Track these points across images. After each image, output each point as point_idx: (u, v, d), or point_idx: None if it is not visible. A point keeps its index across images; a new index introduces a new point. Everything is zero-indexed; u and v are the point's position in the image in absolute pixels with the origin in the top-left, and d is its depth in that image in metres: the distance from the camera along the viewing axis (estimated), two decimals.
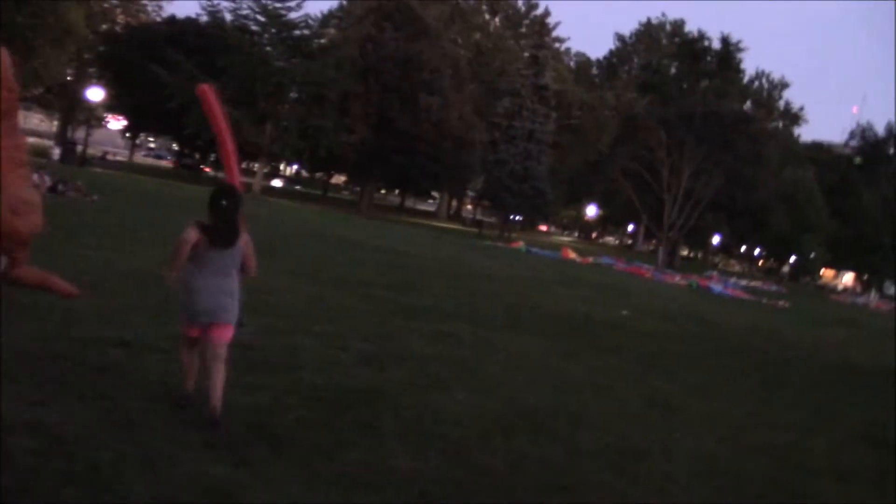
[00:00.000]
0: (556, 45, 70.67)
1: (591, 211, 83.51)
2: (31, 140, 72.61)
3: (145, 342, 7.07)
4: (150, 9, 69.03)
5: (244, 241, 5.55)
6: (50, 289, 8.34)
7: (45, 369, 5.81)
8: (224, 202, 5.45)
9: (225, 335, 5.49)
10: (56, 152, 43.08)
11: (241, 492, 4.30)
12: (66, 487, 3.97)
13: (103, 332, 7.16)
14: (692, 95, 66.39)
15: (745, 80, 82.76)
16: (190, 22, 60.36)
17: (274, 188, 72.42)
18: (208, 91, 7.37)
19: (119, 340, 6.90)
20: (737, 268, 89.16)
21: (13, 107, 9.06)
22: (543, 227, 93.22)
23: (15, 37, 42.38)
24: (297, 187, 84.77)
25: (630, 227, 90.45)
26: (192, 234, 5.32)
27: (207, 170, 63.08)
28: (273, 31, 55.26)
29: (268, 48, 55.58)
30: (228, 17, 56.28)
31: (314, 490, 4.51)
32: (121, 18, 65.40)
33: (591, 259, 43.05)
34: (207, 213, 5.45)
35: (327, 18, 62.54)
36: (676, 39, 78.76)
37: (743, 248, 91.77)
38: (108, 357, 6.46)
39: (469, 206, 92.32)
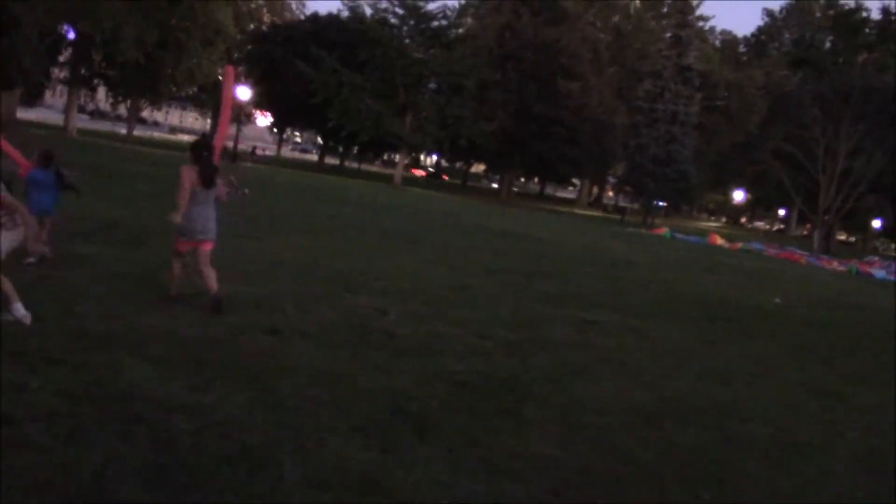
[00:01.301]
0: (700, 23, 68.01)
1: (739, 195, 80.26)
2: (186, 138, 76.72)
3: (295, 329, 7.30)
4: (293, 7, 71.63)
5: (218, 179, 7.65)
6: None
7: (202, 354, 6.09)
8: (205, 152, 7.58)
9: (210, 247, 7.65)
10: None
11: (386, 475, 4.35)
12: (222, 467, 4.12)
13: (255, 319, 7.44)
14: (849, 70, 62.40)
15: None
16: (331, 18, 62.08)
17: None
18: (231, 72, 9.86)
19: (270, 327, 7.14)
20: None
21: None
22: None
23: (169, 38, 44.86)
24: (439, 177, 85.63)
25: (781, 212, 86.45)
26: (193, 175, 7.36)
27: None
28: (412, 22, 56.03)
29: (407, 40, 56.38)
30: (368, 11, 57.50)
31: (458, 476, 4.50)
32: (267, 18, 68.16)
33: (739, 245, 41.33)
34: (191, 159, 7.53)
35: (464, 8, 62.88)
36: (831, 12, 74.36)
37: None
38: (260, 343, 6.70)
39: (610, 193, 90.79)
